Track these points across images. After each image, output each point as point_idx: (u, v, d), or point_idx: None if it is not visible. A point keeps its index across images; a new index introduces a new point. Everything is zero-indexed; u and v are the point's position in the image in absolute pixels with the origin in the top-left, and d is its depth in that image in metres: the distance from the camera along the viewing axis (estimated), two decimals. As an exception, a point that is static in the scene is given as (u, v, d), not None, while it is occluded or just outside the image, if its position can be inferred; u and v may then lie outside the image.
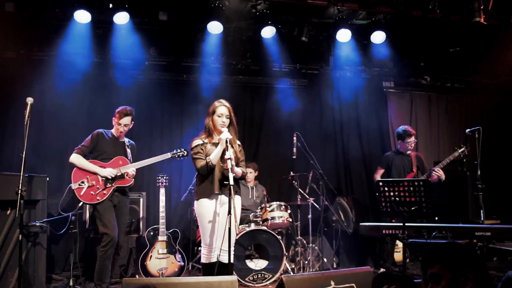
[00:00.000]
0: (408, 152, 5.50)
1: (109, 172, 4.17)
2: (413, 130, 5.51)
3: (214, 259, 3.69)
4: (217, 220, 3.69)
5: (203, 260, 3.77)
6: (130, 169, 4.28)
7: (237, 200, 3.82)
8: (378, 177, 5.55)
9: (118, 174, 4.21)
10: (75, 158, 4.19)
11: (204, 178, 3.74)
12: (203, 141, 3.78)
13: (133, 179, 4.36)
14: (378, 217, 5.34)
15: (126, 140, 4.47)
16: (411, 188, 3.87)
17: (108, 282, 4.19)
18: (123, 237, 4.41)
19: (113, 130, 4.41)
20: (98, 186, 4.16)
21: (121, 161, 4.29)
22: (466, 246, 1.89)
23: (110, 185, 4.18)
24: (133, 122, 4.39)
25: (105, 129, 4.41)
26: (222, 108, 3.75)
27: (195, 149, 3.75)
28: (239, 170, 3.75)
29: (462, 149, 5.19)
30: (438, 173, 5.16)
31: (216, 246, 3.67)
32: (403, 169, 5.42)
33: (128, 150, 4.39)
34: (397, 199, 3.93)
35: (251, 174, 5.89)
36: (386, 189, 3.98)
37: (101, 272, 4.10)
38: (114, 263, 4.34)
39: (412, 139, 5.42)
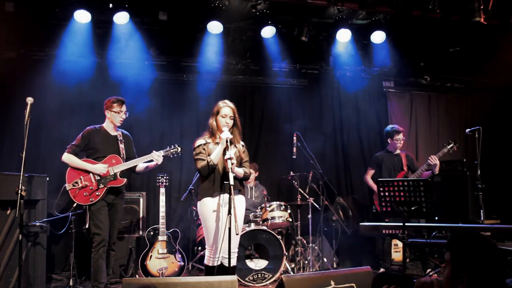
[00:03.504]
0: (398, 151, 5.50)
1: (99, 167, 4.13)
2: (401, 128, 5.53)
3: (217, 262, 3.65)
4: (221, 220, 3.65)
5: (206, 262, 3.72)
6: (122, 168, 4.23)
7: (241, 199, 3.81)
8: (368, 177, 5.61)
9: (110, 174, 4.18)
10: (67, 157, 4.17)
11: (206, 178, 3.73)
12: (206, 141, 3.78)
13: (126, 179, 4.30)
14: (378, 217, 5.34)
15: (119, 132, 4.41)
16: (411, 188, 3.87)
17: (105, 282, 4.17)
18: (116, 233, 4.40)
19: (105, 124, 4.34)
20: (91, 187, 4.13)
21: (114, 160, 4.24)
22: (481, 245, 1.87)
23: (103, 186, 4.14)
24: None
25: (96, 125, 4.37)
26: (227, 109, 3.75)
27: (197, 149, 3.74)
28: (240, 170, 3.73)
29: (451, 145, 5.20)
30: (433, 160, 5.07)
31: (220, 248, 3.60)
32: (393, 169, 5.44)
33: (121, 146, 4.34)
34: (397, 199, 3.93)
35: (251, 174, 5.89)
36: (386, 189, 3.98)
37: (96, 272, 4.09)
38: (110, 259, 4.32)
39: (401, 136, 5.43)
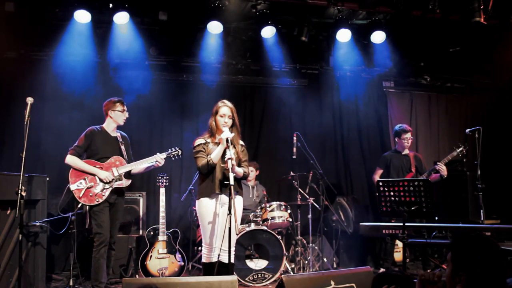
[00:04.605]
0: (406, 152, 5.50)
1: (106, 176, 4.15)
2: (409, 127, 5.55)
3: (214, 259, 3.70)
4: (217, 219, 3.71)
5: (203, 260, 3.79)
6: (127, 169, 4.26)
7: (239, 200, 3.84)
8: (377, 177, 5.54)
9: (115, 175, 4.20)
10: (71, 160, 4.17)
11: (205, 178, 3.75)
12: (205, 140, 3.81)
13: (130, 179, 4.34)
14: (378, 217, 5.34)
15: (118, 134, 4.43)
16: (411, 188, 3.87)
17: (105, 282, 4.18)
18: (116, 233, 4.42)
19: (105, 125, 4.36)
20: (96, 188, 4.15)
21: (117, 161, 4.28)
22: (481, 245, 1.88)
23: (108, 186, 4.17)
24: None
25: (96, 125, 4.38)
26: (225, 109, 3.78)
27: (197, 148, 3.78)
28: (240, 170, 3.76)
29: (461, 148, 5.18)
30: (442, 167, 5.14)
31: (216, 246, 3.68)
32: (402, 169, 5.42)
33: (122, 147, 4.37)
34: (396, 199, 3.93)
35: (252, 172, 5.90)
36: (385, 189, 3.98)
37: (97, 272, 4.10)
38: (110, 259, 4.34)
39: (408, 135, 5.43)
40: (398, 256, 5.73)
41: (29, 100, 3.74)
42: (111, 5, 5.37)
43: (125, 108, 4.37)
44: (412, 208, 3.85)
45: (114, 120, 4.34)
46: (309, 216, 5.48)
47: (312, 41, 6.25)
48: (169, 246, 5.01)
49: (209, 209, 3.71)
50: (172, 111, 6.35)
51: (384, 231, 4.43)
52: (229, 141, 3.62)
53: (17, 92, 5.51)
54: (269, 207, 5.29)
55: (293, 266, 5.49)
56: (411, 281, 2.14)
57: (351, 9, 5.75)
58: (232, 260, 3.71)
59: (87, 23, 5.50)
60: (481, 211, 4.85)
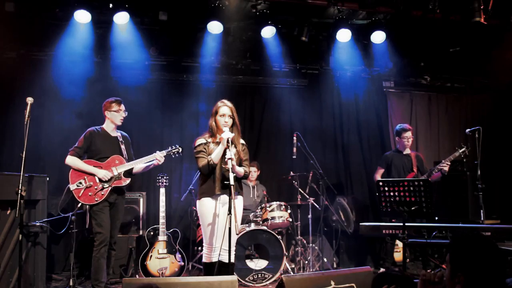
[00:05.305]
0: (408, 151, 5.50)
1: (104, 174, 4.16)
2: (409, 126, 5.57)
3: (215, 259, 3.70)
4: (218, 220, 3.71)
5: (204, 260, 3.79)
6: (126, 168, 4.27)
7: (240, 200, 3.84)
8: (378, 177, 5.54)
9: (114, 174, 4.21)
10: (71, 160, 4.18)
11: (206, 178, 3.75)
12: (206, 140, 3.81)
13: (130, 178, 4.35)
14: (378, 217, 5.34)
15: (118, 133, 4.45)
16: (411, 188, 3.87)
17: (105, 281, 4.18)
18: (117, 233, 4.42)
19: (105, 126, 4.38)
20: (96, 187, 4.15)
21: (117, 160, 4.28)
22: (479, 246, 1.89)
23: (107, 186, 4.18)
24: None
25: (96, 126, 4.39)
26: (225, 108, 3.78)
27: (198, 148, 3.78)
28: (241, 170, 3.76)
29: (463, 149, 5.18)
30: (445, 165, 5.16)
31: (217, 246, 3.68)
32: (403, 169, 5.42)
33: (122, 147, 4.38)
34: (397, 199, 3.93)
35: (255, 173, 5.91)
36: (386, 189, 3.98)
37: (97, 272, 4.10)
38: (110, 259, 4.34)
39: (409, 134, 5.44)
40: (398, 256, 5.74)
41: (29, 100, 3.75)
42: (111, 5, 5.38)
43: (122, 108, 4.37)
44: (412, 208, 3.85)
45: (111, 120, 4.35)
46: (309, 216, 5.48)
47: (312, 41, 6.25)
48: (169, 246, 5.01)
49: (210, 209, 3.71)
50: (172, 111, 6.35)
51: (384, 231, 4.42)
52: (229, 141, 3.62)
53: (17, 92, 5.52)
54: (269, 207, 5.29)
55: (293, 266, 5.49)
56: (411, 281, 2.15)
57: (351, 9, 5.75)
58: (232, 260, 3.71)
59: (87, 23, 5.50)
60: (481, 211, 4.85)
